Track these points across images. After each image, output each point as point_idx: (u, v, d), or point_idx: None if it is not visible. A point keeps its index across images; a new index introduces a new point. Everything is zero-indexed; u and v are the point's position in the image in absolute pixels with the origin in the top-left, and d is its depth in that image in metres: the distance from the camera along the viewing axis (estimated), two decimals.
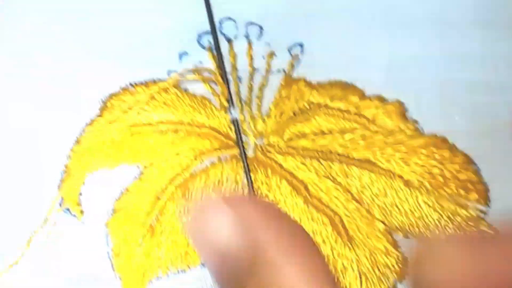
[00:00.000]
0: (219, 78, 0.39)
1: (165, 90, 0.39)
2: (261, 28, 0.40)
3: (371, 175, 0.38)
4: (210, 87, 0.40)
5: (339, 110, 0.39)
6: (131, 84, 0.39)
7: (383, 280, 0.38)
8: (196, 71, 0.39)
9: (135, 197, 0.38)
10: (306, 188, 0.38)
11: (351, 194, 0.38)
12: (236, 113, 0.39)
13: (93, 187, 0.38)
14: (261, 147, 0.39)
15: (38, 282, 0.38)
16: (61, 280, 0.38)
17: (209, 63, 0.40)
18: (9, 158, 0.39)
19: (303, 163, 0.39)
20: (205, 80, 0.39)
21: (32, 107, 0.39)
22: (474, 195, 0.38)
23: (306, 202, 0.38)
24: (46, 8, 0.40)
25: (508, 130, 0.39)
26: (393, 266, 0.38)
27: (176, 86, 0.39)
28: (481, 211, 0.38)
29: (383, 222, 0.38)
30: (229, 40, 0.40)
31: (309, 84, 0.40)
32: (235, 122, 0.39)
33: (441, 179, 0.38)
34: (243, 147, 0.38)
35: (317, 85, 0.40)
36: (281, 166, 0.39)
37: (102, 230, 0.38)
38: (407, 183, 0.38)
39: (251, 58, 0.40)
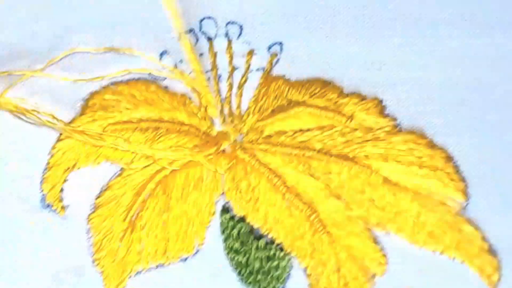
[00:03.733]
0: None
1: (146, 88, 0.40)
2: (241, 27, 0.41)
3: (350, 171, 0.39)
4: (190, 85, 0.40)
5: (318, 107, 0.40)
6: (112, 83, 0.40)
7: (362, 275, 0.38)
8: (176, 70, 0.40)
9: (116, 193, 0.39)
10: (285, 184, 0.39)
11: (330, 190, 0.39)
12: None
13: (75, 183, 0.39)
14: (240, 144, 0.40)
15: (18, 277, 0.38)
16: (42, 275, 0.38)
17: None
18: None
19: (281, 160, 0.39)
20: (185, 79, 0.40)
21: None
22: (452, 190, 0.38)
23: (284, 198, 0.39)
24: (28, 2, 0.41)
25: (486, 126, 0.39)
26: (371, 260, 0.38)
27: (157, 84, 0.40)
28: (460, 206, 0.38)
29: (361, 218, 0.39)
30: (209, 39, 0.41)
31: (288, 82, 0.40)
32: None
33: (419, 174, 0.38)
34: None
35: (296, 83, 0.40)
36: (260, 162, 0.39)
37: (83, 225, 0.39)
38: (385, 179, 0.39)
39: (231, 57, 0.40)
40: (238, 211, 0.39)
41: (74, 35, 0.41)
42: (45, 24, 0.41)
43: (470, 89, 0.40)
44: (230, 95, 0.40)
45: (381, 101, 0.40)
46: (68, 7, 0.41)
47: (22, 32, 0.41)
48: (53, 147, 0.39)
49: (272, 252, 0.39)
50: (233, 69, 0.40)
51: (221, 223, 0.39)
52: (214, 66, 0.40)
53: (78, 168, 0.39)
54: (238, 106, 0.40)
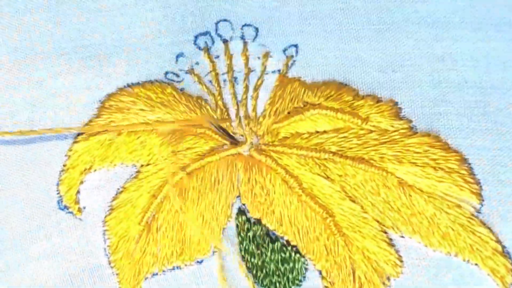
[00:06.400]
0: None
1: (162, 90, 0.40)
2: (256, 29, 0.41)
3: (365, 173, 0.39)
4: (206, 87, 0.40)
5: (334, 109, 0.40)
6: (128, 85, 0.40)
7: (377, 277, 0.38)
8: (192, 72, 0.40)
9: (132, 195, 0.39)
10: (300, 186, 0.39)
11: (345, 192, 0.39)
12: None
13: (91, 185, 0.39)
14: (256, 146, 0.40)
15: (35, 279, 0.39)
16: (59, 277, 0.39)
17: (205, 64, 0.40)
18: (8, 157, 0.40)
19: (297, 162, 0.39)
20: (200, 81, 0.40)
21: (32, 106, 0.40)
22: (467, 193, 0.39)
23: (300, 200, 0.39)
24: (45, 6, 0.41)
25: (500, 129, 0.39)
26: (386, 263, 0.38)
27: (172, 86, 0.40)
28: (474, 209, 0.39)
29: (376, 220, 0.39)
30: (225, 41, 0.41)
31: (303, 84, 0.40)
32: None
33: (434, 177, 0.39)
34: None
35: (311, 85, 0.40)
36: (276, 164, 0.39)
37: (99, 227, 0.39)
38: (400, 181, 0.39)
39: (247, 59, 0.41)
40: (253, 214, 0.39)
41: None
42: None
43: (484, 91, 0.40)
44: (246, 97, 0.40)
45: (396, 103, 0.40)
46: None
47: None
48: (69, 149, 0.39)
49: (287, 255, 0.39)
50: (249, 71, 0.40)
51: (237, 226, 0.39)
52: (230, 69, 0.40)
53: (94, 170, 0.39)
54: (254, 109, 0.40)
